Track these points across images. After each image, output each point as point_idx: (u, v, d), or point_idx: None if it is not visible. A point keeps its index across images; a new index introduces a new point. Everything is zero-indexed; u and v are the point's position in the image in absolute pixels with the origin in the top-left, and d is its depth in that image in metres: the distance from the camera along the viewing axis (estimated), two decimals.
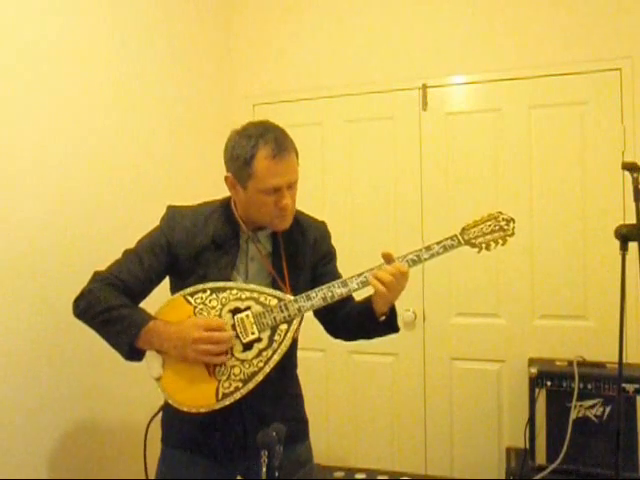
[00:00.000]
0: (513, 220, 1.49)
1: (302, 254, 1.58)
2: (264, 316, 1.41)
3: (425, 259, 1.44)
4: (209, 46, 2.82)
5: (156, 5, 2.40)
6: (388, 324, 1.49)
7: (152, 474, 1.54)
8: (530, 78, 2.53)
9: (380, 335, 1.54)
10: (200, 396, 1.39)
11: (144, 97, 2.31)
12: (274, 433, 1.16)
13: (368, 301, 1.48)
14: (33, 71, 1.79)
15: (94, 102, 2.04)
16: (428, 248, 1.44)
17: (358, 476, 2.18)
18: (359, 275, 1.43)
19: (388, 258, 1.42)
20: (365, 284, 1.42)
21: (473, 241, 1.47)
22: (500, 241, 1.48)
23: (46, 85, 1.84)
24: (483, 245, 1.47)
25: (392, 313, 1.49)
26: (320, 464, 1.78)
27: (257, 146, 1.40)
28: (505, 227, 1.48)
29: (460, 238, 1.46)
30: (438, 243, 1.45)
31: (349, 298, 1.53)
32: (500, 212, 1.49)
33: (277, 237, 1.55)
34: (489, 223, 1.48)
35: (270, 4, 2.94)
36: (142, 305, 1.50)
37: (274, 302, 1.42)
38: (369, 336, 1.57)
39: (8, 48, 1.70)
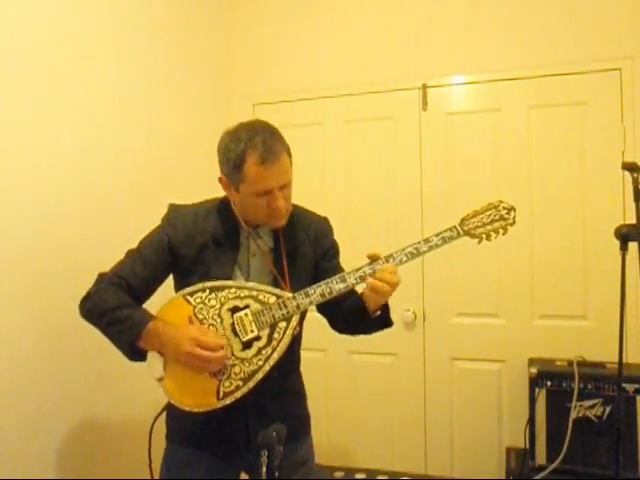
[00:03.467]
0: (514, 209, 1.45)
1: (303, 250, 1.58)
2: (263, 314, 1.41)
3: (424, 251, 1.42)
4: (209, 46, 2.82)
5: (157, 5, 2.40)
6: (381, 319, 1.49)
7: (157, 472, 1.55)
8: (530, 78, 2.53)
9: (375, 330, 1.54)
10: (201, 395, 1.40)
11: (144, 97, 2.31)
12: (274, 433, 1.17)
13: (361, 298, 1.48)
14: (34, 71, 1.79)
15: (95, 103, 2.04)
16: (427, 240, 1.43)
17: (358, 476, 2.18)
18: (357, 270, 1.43)
19: (374, 258, 1.42)
20: (364, 279, 1.42)
21: (473, 232, 1.44)
22: (501, 231, 1.44)
23: (47, 85, 1.84)
24: (483, 235, 1.44)
25: (385, 308, 1.49)
26: (320, 464, 1.78)
27: (246, 151, 1.39)
28: (506, 216, 1.44)
29: (459, 229, 1.44)
30: (437, 235, 1.43)
31: (351, 293, 1.53)
32: (500, 201, 1.46)
33: (278, 233, 1.55)
34: (489, 212, 1.45)
35: (270, 4, 2.94)
36: (146, 304, 1.51)
37: (273, 300, 1.42)
38: (366, 332, 1.57)
39: (10, 49, 1.70)
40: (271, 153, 1.40)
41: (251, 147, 1.39)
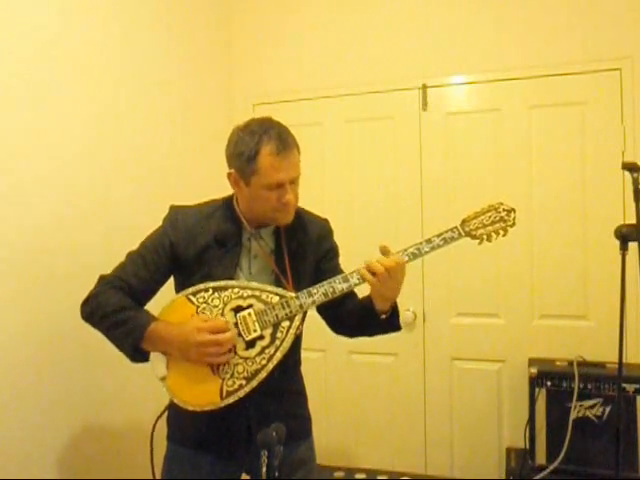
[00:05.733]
0: (514, 210, 1.47)
1: (305, 251, 1.58)
2: (266, 314, 1.41)
3: (426, 252, 1.43)
4: (209, 46, 2.82)
5: (157, 6, 2.40)
6: (389, 322, 1.49)
7: (158, 472, 1.55)
8: (530, 78, 2.53)
9: (381, 333, 1.54)
10: (205, 395, 1.40)
11: (145, 98, 2.31)
12: (274, 433, 1.16)
13: (370, 298, 1.48)
14: (38, 72, 1.79)
15: (95, 103, 2.03)
16: (428, 241, 1.43)
17: (358, 476, 2.18)
18: (359, 270, 1.43)
19: (384, 251, 1.42)
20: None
21: (474, 233, 1.45)
22: (501, 232, 1.46)
23: (50, 88, 1.84)
24: (484, 236, 1.46)
25: (393, 311, 1.49)
26: (320, 464, 1.78)
27: (261, 142, 1.41)
28: (506, 218, 1.46)
29: (460, 230, 1.45)
30: (438, 235, 1.44)
31: (351, 294, 1.53)
32: (501, 203, 1.48)
33: (280, 234, 1.55)
34: (489, 214, 1.47)
35: (270, 4, 2.94)
36: (148, 305, 1.51)
37: (276, 299, 1.42)
38: (370, 333, 1.57)
39: (12, 50, 1.70)
40: (285, 145, 1.42)
41: (266, 138, 1.41)
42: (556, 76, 2.50)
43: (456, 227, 1.45)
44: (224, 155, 1.51)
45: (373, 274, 1.38)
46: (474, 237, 1.46)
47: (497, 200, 1.51)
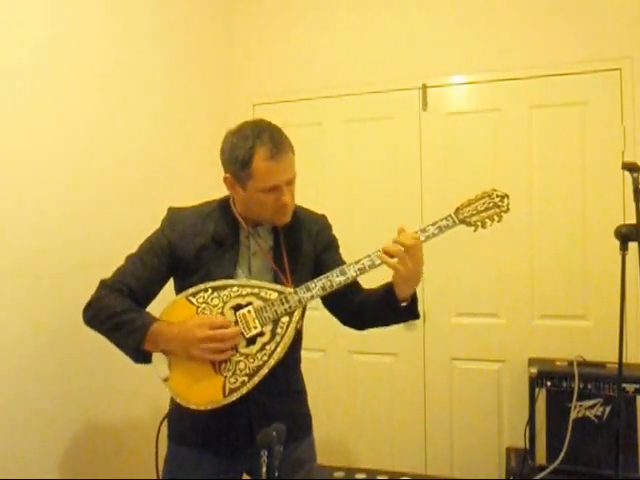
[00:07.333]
0: (507, 196, 1.47)
1: (303, 247, 1.58)
2: (265, 310, 1.42)
3: (422, 241, 1.42)
4: (209, 46, 2.82)
5: (156, 6, 2.40)
6: (409, 310, 1.48)
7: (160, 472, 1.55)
8: (530, 78, 2.54)
9: (398, 322, 1.53)
10: (207, 393, 1.40)
11: (145, 98, 2.31)
12: (274, 433, 1.17)
13: (389, 286, 1.47)
14: (37, 73, 1.79)
15: (95, 103, 2.03)
16: (423, 230, 1.43)
17: (358, 476, 2.18)
18: (357, 262, 1.43)
19: (401, 231, 1.42)
20: (363, 271, 1.42)
21: (468, 220, 1.45)
22: (495, 218, 1.45)
23: (50, 88, 1.84)
24: (479, 223, 1.45)
25: (413, 299, 1.47)
26: (320, 464, 1.78)
27: (254, 147, 1.40)
28: (500, 203, 1.46)
29: (454, 217, 1.44)
30: (433, 224, 1.43)
31: (357, 286, 1.53)
32: (494, 189, 1.48)
33: (277, 231, 1.56)
34: (483, 201, 1.47)
35: (270, 5, 2.94)
36: (149, 307, 1.51)
37: (275, 296, 1.43)
38: (386, 323, 1.56)
39: (11, 50, 1.70)
40: (280, 148, 1.42)
41: (259, 143, 1.40)
42: (556, 76, 2.50)
43: (450, 215, 1.45)
44: None
45: (391, 257, 1.38)
46: (469, 224, 1.45)
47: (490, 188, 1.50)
